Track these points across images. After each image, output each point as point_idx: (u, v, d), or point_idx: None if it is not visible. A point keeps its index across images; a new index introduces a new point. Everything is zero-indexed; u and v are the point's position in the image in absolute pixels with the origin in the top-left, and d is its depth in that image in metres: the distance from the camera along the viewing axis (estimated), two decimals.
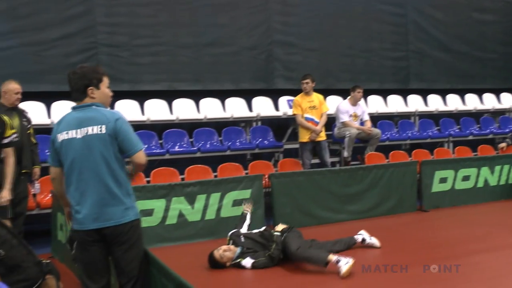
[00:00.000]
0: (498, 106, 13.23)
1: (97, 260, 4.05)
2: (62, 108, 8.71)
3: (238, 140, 10.01)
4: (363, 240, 6.44)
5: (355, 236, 6.45)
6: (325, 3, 11.68)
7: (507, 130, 12.11)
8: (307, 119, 9.32)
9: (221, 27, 10.64)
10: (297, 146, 9.78)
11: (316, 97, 9.50)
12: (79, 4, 9.48)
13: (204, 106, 10.32)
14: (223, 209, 7.27)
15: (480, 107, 13.02)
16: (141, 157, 4.01)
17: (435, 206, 8.68)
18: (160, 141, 9.48)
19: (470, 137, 11.95)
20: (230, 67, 10.71)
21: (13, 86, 6.53)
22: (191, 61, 10.40)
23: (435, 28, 12.99)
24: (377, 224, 7.57)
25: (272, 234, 5.98)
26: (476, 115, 12.78)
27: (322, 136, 9.38)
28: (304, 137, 9.32)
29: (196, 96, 10.34)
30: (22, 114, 6.79)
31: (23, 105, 8.79)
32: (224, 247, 5.87)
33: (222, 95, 10.55)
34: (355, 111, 10.09)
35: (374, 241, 6.44)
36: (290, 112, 10.27)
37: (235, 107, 10.52)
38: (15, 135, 6.06)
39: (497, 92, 13.64)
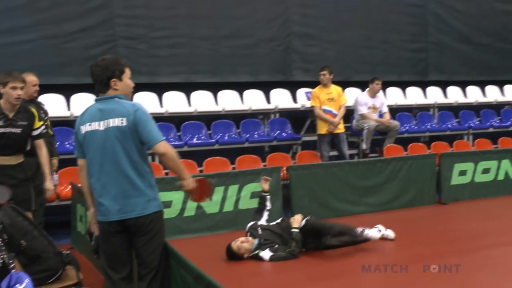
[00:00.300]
0: None
1: (119, 250, 4.09)
2: (82, 100, 8.78)
3: (256, 132, 10.02)
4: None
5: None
6: None
7: None
8: (325, 111, 9.29)
9: (239, 19, 10.63)
10: (315, 138, 9.76)
11: (335, 89, 9.47)
12: None
13: (222, 98, 10.32)
14: (241, 201, 7.29)
15: (501, 99, 12.84)
16: (161, 147, 3.97)
17: (454, 199, 8.62)
18: (179, 133, 9.52)
19: (491, 130, 11.83)
20: (248, 59, 10.69)
21: (31, 78, 6.58)
22: (209, 53, 10.40)
23: (455, 19, 12.84)
24: (395, 217, 7.54)
25: (290, 228, 5.98)
26: (496, 107, 12.63)
27: (341, 128, 9.35)
28: (322, 129, 9.30)
29: (214, 88, 10.35)
30: (39, 106, 6.85)
31: (43, 98, 8.95)
32: (242, 238, 5.89)
33: (240, 87, 10.54)
34: (374, 103, 10.04)
35: (389, 232, 6.43)
36: (308, 104, 10.24)
37: (253, 99, 10.52)
38: (43, 127, 6.14)
39: None
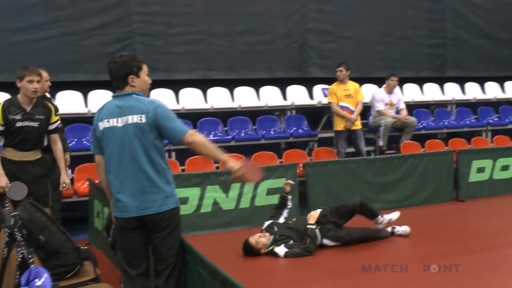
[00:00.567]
0: None
1: (136, 246, 4.11)
2: (99, 97, 8.83)
3: (272, 129, 10.01)
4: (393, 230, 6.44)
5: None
6: None
7: None
8: (342, 107, 9.27)
9: (255, 15, 10.62)
10: (332, 135, 9.73)
11: (352, 85, 9.44)
12: None
13: (238, 95, 10.33)
14: (257, 197, 7.29)
15: None
16: (188, 137, 3.97)
17: (472, 196, 8.56)
18: (195, 130, 9.52)
19: (510, 126, 11.70)
20: (265, 55, 10.68)
21: (45, 74, 6.63)
22: (226, 50, 10.41)
23: (474, 14, 12.70)
24: (412, 214, 7.50)
25: (306, 224, 5.98)
26: None
27: (358, 125, 9.32)
28: (339, 125, 9.27)
29: (231, 84, 10.36)
30: (50, 101, 6.91)
31: (61, 94, 9.04)
32: (259, 234, 5.91)
33: (256, 84, 10.54)
34: (391, 100, 9.99)
35: (404, 228, 6.43)
36: (324, 100, 10.22)
37: (270, 96, 10.51)
38: (59, 122, 6.20)
39: None
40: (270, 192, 7.26)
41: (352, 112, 9.24)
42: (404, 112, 10.03)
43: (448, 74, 12.47)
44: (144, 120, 3.92)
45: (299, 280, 5.22)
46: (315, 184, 7.63)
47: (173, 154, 8.80)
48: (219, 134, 9.57)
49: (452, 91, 12.23)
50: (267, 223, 6.22)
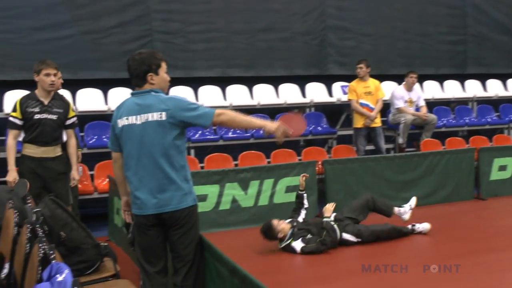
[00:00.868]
0: None
1: (154, 244, 4.12)
2: (119, 94, 8.89)
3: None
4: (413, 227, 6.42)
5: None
6: None
7: None
8: (362, 104, 9.23)
9: (274, 12, 10.61)
10: (351, 132, 9.70)
11: (372, 82, 9.40)
12: None
13: (257, 92, 10.33)
14: (276, 195, 7.29)
15: None
16: (216, 121, 3.95)
17: (493, 194, 8.47)
18: (214, 127, 9.56)
19: None
20: (284, 53, 10.67)
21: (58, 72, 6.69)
22: (245, 47, 10.41)
23: (496, 10, 12.54)
24: (432, 212, 7.45)
25: (322, 217, 6.00)
26: None
27: (377, 122, 9.28)
28: (359, 122, 9.24)
29: (250, 82, 10.36)
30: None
31: (81, 92, 9.13)
32: (283, 220, 5.96)
33: (275, 81, 10.53)
34: (410, 97, 9.93)
35: (424, 225, 6.42)
36: (343, 98, 10.18)
37: (289, 93, 10.49)
38: (75, 118, 6.27)
39: None
40: (289, 189, 7.25)
41: (371, 109, 9.20)
42: (424, 110, 9.97)
43: (469, 71, 12.34)
44: (164, 118, 3.93)
45: (318, 278, 5.21)
46: (334, 182, 7.61)
47: (192, 151, 8.84)
48: (238, 131, 9.57)
49: (473, 88, 12.11)
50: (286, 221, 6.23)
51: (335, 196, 7.49)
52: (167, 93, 4.17)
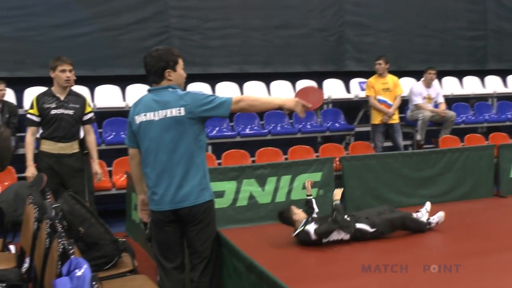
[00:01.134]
0: None
1: (172, 240, 4.13)
2: (137, 91, 8.94)
3: (309, 123, 9.97)
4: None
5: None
6: None
7: None
8: (380, 101, 9.19)
9: (292, 8, 10.58)
10: (369, 129, 9.66)
11: (391, 79, 9.35)
12: None
13: (274, 89, 10.32)
14: (293, 191, 7.28)
15: None
16: (236, 106, 3.96)
17: None
18: (231, 124, 9.57)
19: None
20: (301, 49, 10.64)
21: None
22: (262, 44, 10.41)
23: None
24: (450, 209, 7.37)
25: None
26: None
27: (395, 119, 9.24)
28: (377, 119, 9.20)
29: (267, 78, 10.36)
30: None
31: (99, 89, 9.19)
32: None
33: (292, 78, 10.52)
34: (429, 93, 9.86)
35: (438, 214, 6.38)
36: (361, 94, 10.14)
37: None
38: (92, 113, 6.32)
39: None
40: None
41: (389, 106, 9.16)
42: (443, 106, 9.89)
43: (489, 67, 12.21)
44: (183, 113, 3.94)
45: (335, 274, 5.20)
46: (352, 179, 7.58)
47: (210, 147, 8.86)
48: (255, 128, 9.59)
49: (493, 84, 11.98)
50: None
51: (352, 193, 7.47)
52: (183, 89, 4.18)
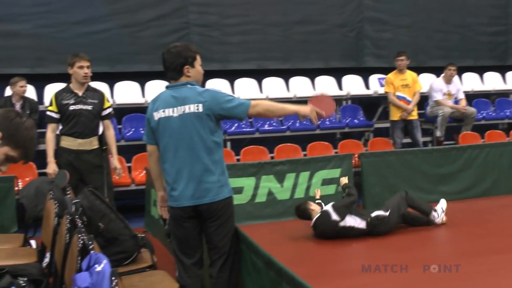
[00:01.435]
0: None
1: (191, 236, 4.16)
2: (156, 87, 8.97)
3: (327, 119, 9.95)
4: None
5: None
6: None
7: None
8: (399, 97, 9.14)
9: (311, 4, 10.55)
10: (388, 125, 9.61)
11: (410, 75, 9.29)
12: None
13: (293, 85, 10.31)
14: (312, 188, 7.25)
15: None
16: (252, 112, 4.03)
17: None
18: (250, 120, 9.58)
19: None
20: (320, 45, 10.61)
21: None
22: (281, 40, 10.39)
23: None
24: (470, 206, 7.33)
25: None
26: None
27: (414, 115, 9.18)
28: (395, 115, 9.15)
29: (286, 74, 10.35)
30: None
31: (119, 85, 9.25)
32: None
33: (311, 74, 10.49)
34: (449, 89, 9.77)
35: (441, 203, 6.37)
36: (380, 90, 10.09)
37: (325, 86, 10.44)
38: (111, 109, 6.36)
39: None
40: (325, 182, 7.20)
41: (408, 102, 9.10)
42: (463, 102, 9.81)
43: (511, 63, 12.07)
44: (201, 109, 3.96)
45: (356, 270, 5.17)
46: (371, 175, 7.54)
47: (229, 144, 8.88)
48: (274, 124, 9.58)
49: None
50: None
51: (371, 190, 7.43)
52: (202, 86, 4.19)
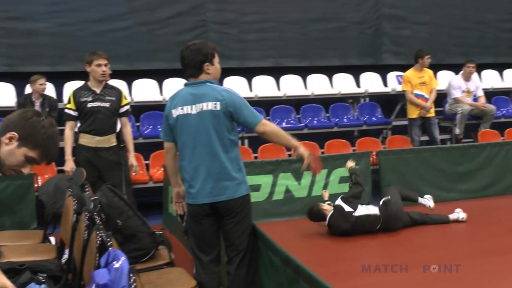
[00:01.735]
0: None
1: (208, 233, 4.18)
2: (174, 85, 9.01)
3: (345, 117, 9.92)
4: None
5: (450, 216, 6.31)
6: None
7: None
8: (416, 95, 9.08)
9: (328, 1, 10.51)
10: (406, 122, 9.55)
11: (427, 72, 9.23)
12: None
13: (311, 82, 10.28)
14: (329, 185, 7.24)
15: None
16: (260, 128, 4.02)
17: None
18: (268, 117, 9.56)
19: None
20: (337, 42, 10.58)
21: None
22: (298, 37, 10.37)
23: None
24: (490, 205, 7.26)
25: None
26: None
27: (432, 112, 9.12)
28: (413, 113, 9.10)
29: (303, 72, 10.33)
30: None
31: (137, 83, 9.29)
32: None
33: (329, 71, 10.46)
34: (468, 87, 9.69)
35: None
36: (398, 88, 10.03)
37: (343, 83, 10.41)
38: (129, 106, 6.40)
39: None
40: (343, 180, 7.17)
41: (426, 100, 9.05)
42: (482, 100, 9.72)
43: None
44: (218, 108, 3.97)
45: (372, 269, 5.15)
46: (389, 173, 7.50)
47: (246, 141, 8.88)
48: (291, 121, 9.57)
49: None
50: None
51: None
52: (220, 84, 4.21)
